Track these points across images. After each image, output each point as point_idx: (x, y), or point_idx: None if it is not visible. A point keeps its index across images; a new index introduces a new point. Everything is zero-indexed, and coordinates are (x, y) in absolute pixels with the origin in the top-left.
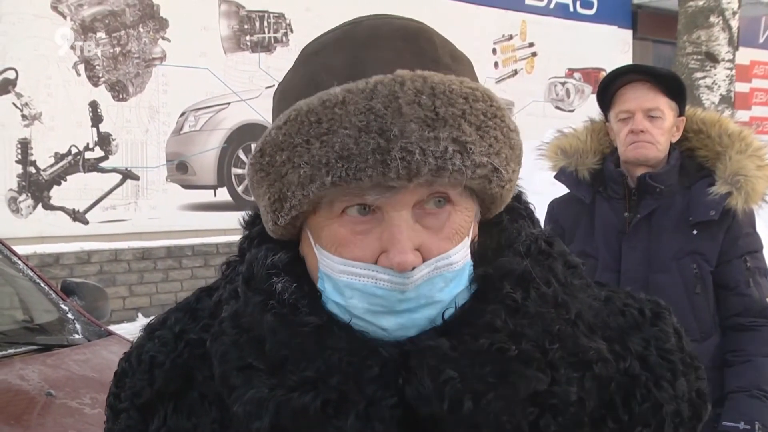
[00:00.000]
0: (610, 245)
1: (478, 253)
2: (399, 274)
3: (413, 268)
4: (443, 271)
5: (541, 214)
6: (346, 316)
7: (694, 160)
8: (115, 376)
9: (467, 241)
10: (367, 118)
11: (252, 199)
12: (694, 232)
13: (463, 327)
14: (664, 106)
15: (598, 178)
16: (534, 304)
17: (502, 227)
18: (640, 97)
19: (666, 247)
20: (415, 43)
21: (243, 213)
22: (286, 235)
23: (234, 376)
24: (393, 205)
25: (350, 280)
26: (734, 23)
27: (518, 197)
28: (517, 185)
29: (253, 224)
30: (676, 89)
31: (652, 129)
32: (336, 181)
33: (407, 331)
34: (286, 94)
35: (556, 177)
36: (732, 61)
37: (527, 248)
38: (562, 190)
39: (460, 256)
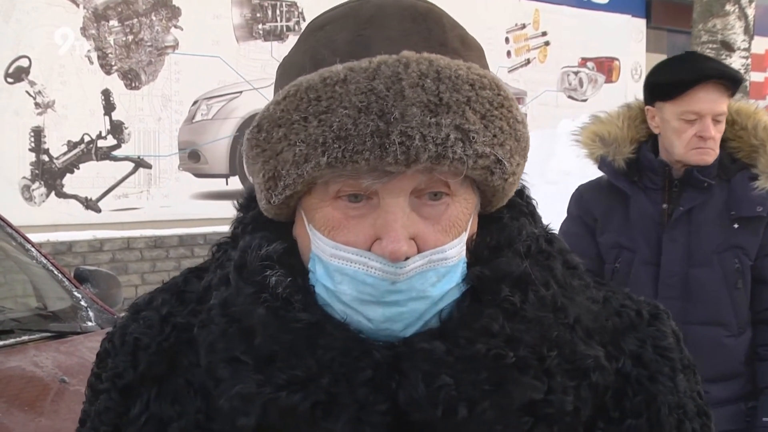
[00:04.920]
0: (649, 238)
1: (474, 251)
2: (391, 264)
3: (406, 259)
4: (437, 265)
5: (550, 204)
6: (334, 301)
7: (725, 150)
8: (97, 357)
9: (464, 237)
10: (368, 98)
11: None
12: (735, 226)
13: (459, 330)
14: (726, 108)
15: (633, 168)
16: (532, 308)
17: (503, 224)
18: (713, 102)
19: (707, 241)
20: (423, 24)
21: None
22: (280, 214)
23: (221, 368)
24: (389, 190)
25: (341, 264)
26: (750, 12)
27: (520, 192)
28: (521, 179)
29: (248, 208)
30: (736, 90)
31: (716, 134)
32: (332, 162)
33: (393, 325)
34: (287, 69)
35: (599, 167)
36: (747, 50)
37: (527, 248)
38: (574, 179)
39: (456, 251)
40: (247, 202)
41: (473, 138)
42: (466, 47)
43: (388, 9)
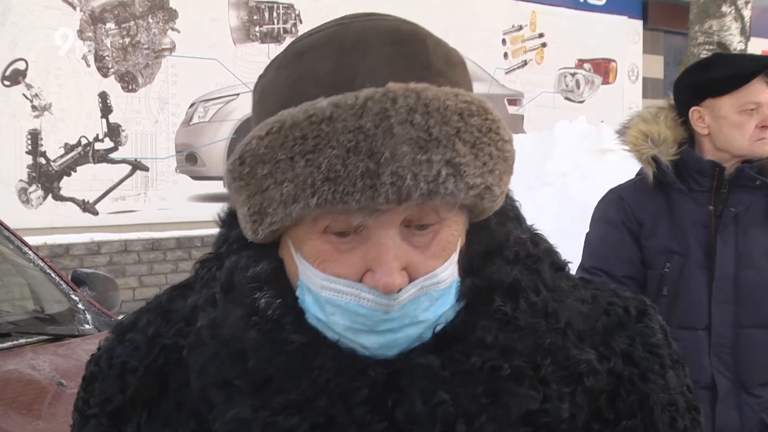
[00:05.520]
0: (701, 242)
1: (464, 262)
2: (384, 295)
3: (399, 290)
4: (429, 290)
5: (548, 205)
6: (326, 330)
7: None
8: (83, 380)
9: (455, 257)
10: (356, 137)
11: None
12: None
13: (454, 344)
14: None
15: (675, 169)
16: (524, 315)
17: (490, 231)
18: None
19: (755, 243)
20: (407, 48)
21: (218, 210)
22: (265, 241)
23: (214, 392)
24: (380, 224)
25: (332, 296)
26: (747, 13)
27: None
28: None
29: (231, 225)
30: None
31: None
32: (321, 203)
33: (388, 350)
34: (267, 95)
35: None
36: (744, 51)
37: (515, 254)
38: (572, 182)
39: (448, 273)
40: (229, 219)
41: (464, 171)
42: (450, 66)
43: (369, 34)
